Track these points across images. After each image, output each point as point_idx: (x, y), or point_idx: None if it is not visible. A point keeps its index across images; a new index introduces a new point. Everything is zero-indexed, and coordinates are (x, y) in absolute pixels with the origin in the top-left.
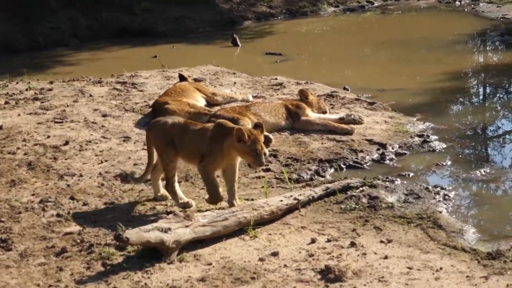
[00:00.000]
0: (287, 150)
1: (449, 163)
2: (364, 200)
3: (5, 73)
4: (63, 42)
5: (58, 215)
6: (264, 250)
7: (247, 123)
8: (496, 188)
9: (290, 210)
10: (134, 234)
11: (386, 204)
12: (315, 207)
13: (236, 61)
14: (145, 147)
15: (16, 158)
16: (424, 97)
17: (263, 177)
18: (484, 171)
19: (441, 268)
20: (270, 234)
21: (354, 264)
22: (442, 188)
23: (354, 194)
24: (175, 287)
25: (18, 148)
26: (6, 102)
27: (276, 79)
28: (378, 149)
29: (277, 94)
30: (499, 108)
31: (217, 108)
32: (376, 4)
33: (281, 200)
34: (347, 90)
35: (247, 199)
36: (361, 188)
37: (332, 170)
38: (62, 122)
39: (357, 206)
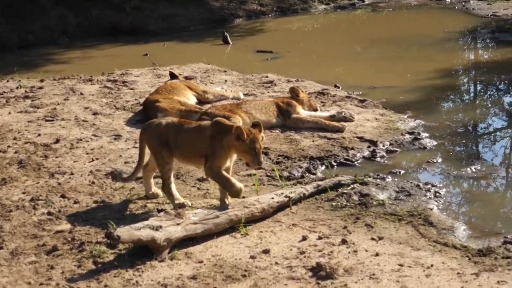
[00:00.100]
0: (278, 147)
1: (440, 160)
2: (355, 198)
3: None
4: (53, 40)
5: (49, 213)
6: (255, 247)
7: (238, 121)
8: (486, 185)
9: (281, 207)
10: (125, 232)
11: (377, 201)
12: (306, 204)
13: (227, 59)
14: (136, 145)
15: (7, 156)
16: (415, 94)
17: (254, 174)
18: (475, 168)
19: (432, 265)
20: (261, 232)
21: (345, 262)
22: (433, 185)
23: (345, 191)
24: (166, 285)
25: (8, 146)
26: None
27: (267, 77)
28: (369, 147)
29: (268, 92)
30: (489, 105)
31: (208, 106)
32: (366, 1)
33: (272, 198)
34: (338, 87)
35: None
36: (352, 186)
37: (323, 167)
38: (52, 120)
39: (348, 204)
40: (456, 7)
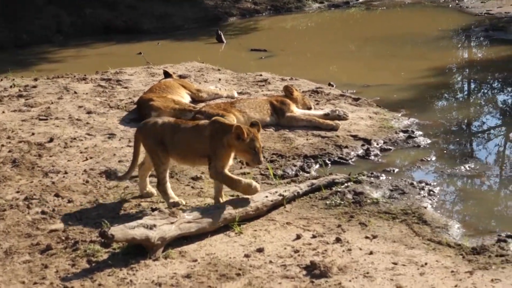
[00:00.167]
0: (272, 146)
1: (433, 158)
2: (349, 196)
3: None
4: (47, 39)
5: (43, 212)
6: (249, 246)
7: (232, 120)
8: (480, 184)
9: (275, 206)
10: (119, 231)
11: (371, 199)
12: (300, 203)
13: (221, 57)
14: (130, 144)
15: (1, 155)
16: (409, 92)
17: (248, 173)
18: (469, 167)
19: (426, 264)
20: (255, 230)
21: (339, 260)
22: (427, 184)
23: (339, 190)
24: (161, 283)
25: (2, 145)
26: None
27: (261, 75)
28: (363, 145)
29: (262, 91)
30: (483, 103)
31: (202, 104)
32: (360, 0)
33: (266, 196)
34: (332, 86)
35: (232, 195)
36: (346, 184)
37: (317, 166)
38: (46, 119)
39: (342, 202)
40: (450, 5)
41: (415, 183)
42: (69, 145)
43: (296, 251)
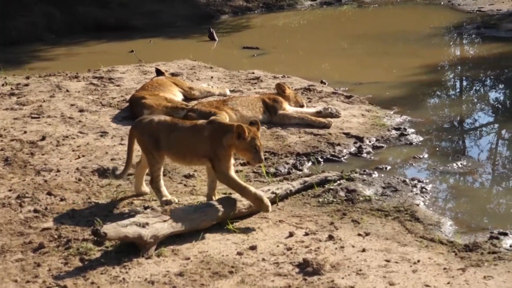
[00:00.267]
0: (264, 144)
1: (426, 156)
2: (342, 194)
3: None
4: (39, 37)
5: (35, 210)
6: (242, 244)
7: (225, 117)
8: (473, 181)
9: None
10: (111, 229)
11: (364, 197)
12: (293, 200)
13: (213, 55)
14: (123, 142)
15: None
16: (401, 90)
17: (241, 171)
18: (461, 164)
19: (418, 261)
20: (248, 228)
21: (332, 257)
22: (419, 181)
23: (331, 187)
24: (153, 281)
25: None
26: None
27: (253, 73)
28: (355, 143)
29: (254, 88)
30: (475, 100)
31: (194, 102)
32: None
33: None
34: (324, 83)
35: (225, 193)
36: (338, 182)
37: (310, 163)
38: (38, 117)
39: (335, 200)
40: (442, 3)
41: (407, 180)
42: (62, 143)
43: (289, 249)
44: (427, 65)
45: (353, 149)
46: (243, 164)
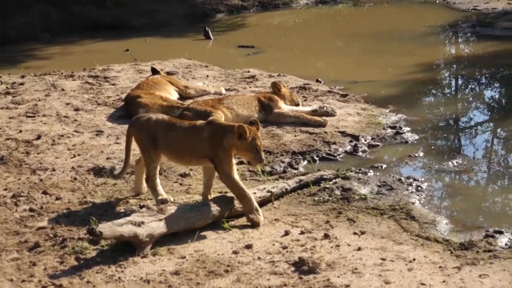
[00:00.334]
0: None
1: (421, 154)
2: (337, 192)
3: None
4: (35, 36)
5: (30, 209)
6: (238, 242)
7: (220, 116)
8: (468, 179)
9: (263, 202)
10: (107, 228)
11: (359, 195)
12: (289, 199)
13: (208, 54)
14: (118, 141)
15: None
16: (397, 88)
17: (237, 170)
18: (457, 162)
19: (414, 259)
20: (243, 227)
21: (327, 256)
22: (414, 180)
23: (327, 186)
24: (149, 280)
25: None
26: None
27: (248, 71)
28: (351, 141)
29: (250, 87)
30: (471, 99)
31: (190, 101)
32: None
33: (255, 193)
34: (320, 82)
35: (221, 192)
36: (334, 180)
37: (305, 162)
38: (34, 116)
39: (330, 198)
40: (437, 1)
41: (403, 179)
42: (57, 142)
43: (285, 247)
44: (423, 63)
45: (348, 147)
46: (239, 163)
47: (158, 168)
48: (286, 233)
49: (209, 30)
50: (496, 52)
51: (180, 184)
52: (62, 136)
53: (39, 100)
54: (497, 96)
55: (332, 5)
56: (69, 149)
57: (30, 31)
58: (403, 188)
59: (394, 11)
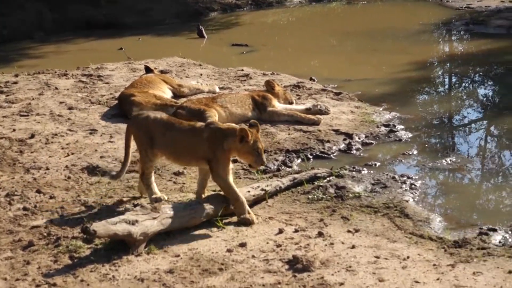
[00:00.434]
0: None
1: (415, 152)
2: (331, 190)
3: None
4: (28, 34)
5: (24, 208)
6: (232, 241)
7: (214, 115)
8: (462, 177)
9: (257, 201)
10: (101, 226)
11: (353, 194)
12: (283, 197)
13: (202, 52)
14: (112, 140)
15: None
16: (390, 87)
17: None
18: (450, 160)
19: (408, 257)
20: (238, 225)
21: (321, 254)
22: (408, 177)
23: (321, 184)
24: (143, 279)
25: None
26: None
27: (242, 70)
28: (344, 139)
29: (244, 85)
30: (464, 97)
31: (184, 99)
32: None
33: (249, 191)
34: (314, 80)
35: (215, 191)
36: (328, 178)
37: (299, 160)
38: (27, 115)
39: (324, 196)
40: (431, 0)
41: (397, 176)
42: (51, 141)
43: (279, 246)
44: (416, 61)
45: (342, 145)
46: (233, 161)
47: (154, 167)
48: (280, 231)
49: (202, 29)
50: (490, 50)
51: (174, 182)
52: (56, 135)
53: (33, 99)
54: (490, 94)
55: (325, 3)
56: (62, 148)
57: (24, 29)
58: (397, 186)
59: (387, 9)
